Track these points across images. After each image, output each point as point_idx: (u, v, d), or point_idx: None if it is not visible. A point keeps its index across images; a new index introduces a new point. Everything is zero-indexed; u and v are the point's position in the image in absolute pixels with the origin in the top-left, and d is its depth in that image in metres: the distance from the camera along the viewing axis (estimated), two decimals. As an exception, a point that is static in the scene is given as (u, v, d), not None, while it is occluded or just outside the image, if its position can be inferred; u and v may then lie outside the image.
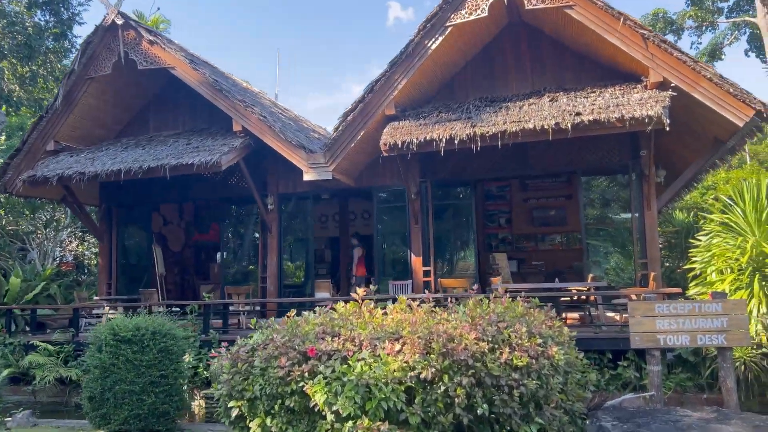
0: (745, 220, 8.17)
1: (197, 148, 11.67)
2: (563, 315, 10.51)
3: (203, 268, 17.24)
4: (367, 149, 11.45)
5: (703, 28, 22.07)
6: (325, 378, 4.37)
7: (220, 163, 10.88)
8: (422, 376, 4.31)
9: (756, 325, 7.93)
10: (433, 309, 5.34)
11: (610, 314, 10.19)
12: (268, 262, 12.74)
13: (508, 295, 5.69)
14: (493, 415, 4.50)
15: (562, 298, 10.47)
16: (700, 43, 24.02)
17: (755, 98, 9.02)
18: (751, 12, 20.59)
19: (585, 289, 10.29)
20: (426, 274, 11.92)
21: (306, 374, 4.49)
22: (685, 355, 8.13)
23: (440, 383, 4.33)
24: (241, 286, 12.28)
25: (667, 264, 13.12)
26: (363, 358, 4.36)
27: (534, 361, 4.57)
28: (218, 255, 15.99)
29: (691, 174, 10.67)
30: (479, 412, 4.37)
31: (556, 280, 10.95)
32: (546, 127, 9.29)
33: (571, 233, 16.03)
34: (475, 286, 7.03)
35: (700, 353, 8.09)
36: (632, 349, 7.03)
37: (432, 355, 4.43)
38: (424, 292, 12.02)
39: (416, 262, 11.99)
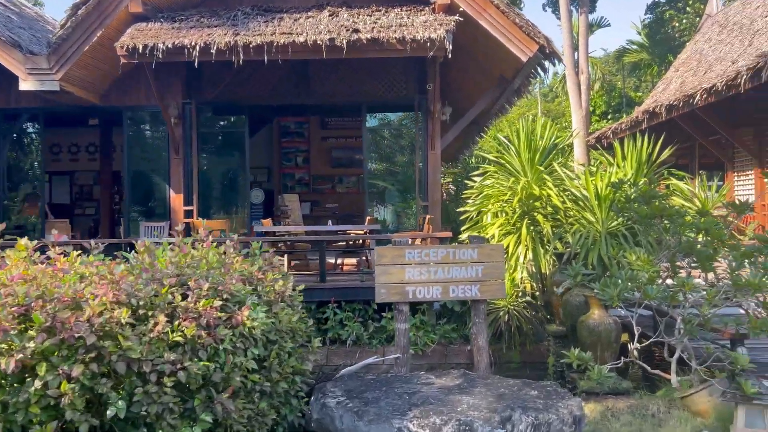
0: (519, 159, 7.61)
1: None
2: (340, 261, 9.52)
3: None
4: (111, 57, 9.06)
5: (507, -27, 22.23)
6: None
7: None
8: (3, 366, 2.69)
9: (521, 272, 7.48)
10: (85, 259, 3.68)
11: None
12: (-23, 197, 9.95)
13: (211, 238, 4.22)
14: (145, 412, 3.06)
15: (339, 243, 9.44)
16: (504, -10, 24.31)
17: (540, 32, 8.45)
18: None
19: (362, 232, 9.31)
20: (188, 214, 10.09)
21: None
22: (451, 305, 7.48)
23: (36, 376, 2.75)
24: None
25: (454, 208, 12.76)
26: None
27: (205, 332, 3.16)
28: None
29: (476, 113, 10.05)
30: (110, 413, 2.89)
31: (329, 222, 9.85)
32: (319, 42, 7.89)
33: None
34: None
35: (467, 302, 7.47)
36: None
37: (31, 332, 2.81)
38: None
39: (176, 200, 10.09)
